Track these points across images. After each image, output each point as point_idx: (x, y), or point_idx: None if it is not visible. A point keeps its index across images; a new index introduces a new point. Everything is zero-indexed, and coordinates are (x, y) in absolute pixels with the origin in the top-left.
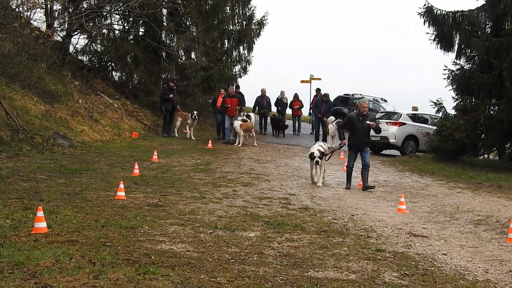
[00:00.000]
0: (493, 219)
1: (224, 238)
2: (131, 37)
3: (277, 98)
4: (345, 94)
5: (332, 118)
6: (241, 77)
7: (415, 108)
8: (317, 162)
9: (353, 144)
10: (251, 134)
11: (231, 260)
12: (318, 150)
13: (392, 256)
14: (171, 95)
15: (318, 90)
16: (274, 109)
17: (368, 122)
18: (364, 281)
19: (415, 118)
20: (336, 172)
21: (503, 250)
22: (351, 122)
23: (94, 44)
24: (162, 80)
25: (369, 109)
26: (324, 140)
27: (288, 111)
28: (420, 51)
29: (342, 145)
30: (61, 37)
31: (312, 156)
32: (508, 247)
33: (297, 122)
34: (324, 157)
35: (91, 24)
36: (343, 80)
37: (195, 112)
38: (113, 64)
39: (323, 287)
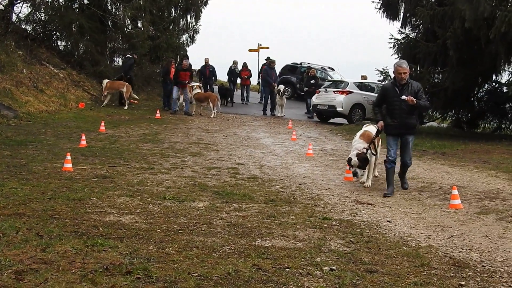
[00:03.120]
0: (436, 186)
1: (173, 209)
2: (76, 5)
3: (230, 67)
4: (293, 63)
5: (282, 86)
6: (188, 46)
7: (364, 77)
8: (355, 175)
9: (390, 127)
10: (209, 104)
11: (180, 231)
12: (358, 154)
13: (338, 224)
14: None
15: (268, 58)
16: (225, 78)
17: (404, 97)
18: (311, 249)
19: (362, 86)
20: (284, 141)
21: (445, 216)
22: (385, 96)
23: (37, 13)
24: (108, 49)
25: (316, 77)
26: (273, 109)
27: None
28: (368, 20)
29: (380, 128)
30: (3, 5)
31: (349, 163)
32: (450, 213)
33: (245, 91)
34: (368, 150)
35: None
36: (291, 48)
37: None
38: (58, 34)
39: (270, 255)
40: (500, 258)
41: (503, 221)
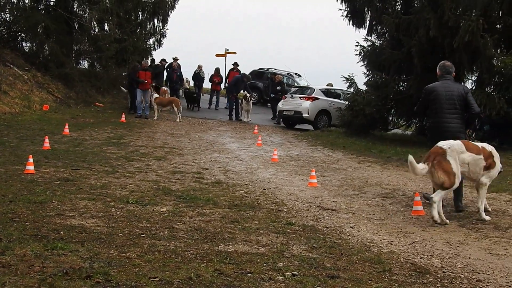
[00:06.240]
0: (399, 192)
1: (136, 213)
2: (42, 6)
3: (195, 72)
4: (259, 69)
5: (247, 93)
6: (155, 50)
7: (330, 85)
8: None
9: None
10: (174, 109)
11: (142, 235)
12: None
13: (301, 230)
14: None
15: (235, 64)
16: (191, 83)
17: None
18: (273, 254)
19: (328, 93)
20: (249, 147)
21: (407, 222)
22: None
23: (2, 14)
24: (74, 51)
25: (282, 83)
26: (237, 115)
27: (206, 84)
28: (336, 27)
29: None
30: None
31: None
32: (412, 220)
33: (215, 96)
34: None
35: None
36: (258, 54)
37: None
38: (23, 35)
39: (232, 260)
40: (461, 264)
41: (464, 227)
